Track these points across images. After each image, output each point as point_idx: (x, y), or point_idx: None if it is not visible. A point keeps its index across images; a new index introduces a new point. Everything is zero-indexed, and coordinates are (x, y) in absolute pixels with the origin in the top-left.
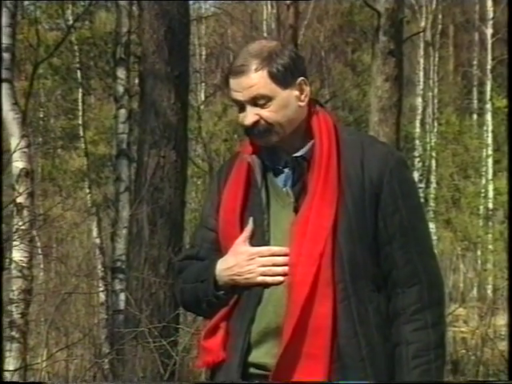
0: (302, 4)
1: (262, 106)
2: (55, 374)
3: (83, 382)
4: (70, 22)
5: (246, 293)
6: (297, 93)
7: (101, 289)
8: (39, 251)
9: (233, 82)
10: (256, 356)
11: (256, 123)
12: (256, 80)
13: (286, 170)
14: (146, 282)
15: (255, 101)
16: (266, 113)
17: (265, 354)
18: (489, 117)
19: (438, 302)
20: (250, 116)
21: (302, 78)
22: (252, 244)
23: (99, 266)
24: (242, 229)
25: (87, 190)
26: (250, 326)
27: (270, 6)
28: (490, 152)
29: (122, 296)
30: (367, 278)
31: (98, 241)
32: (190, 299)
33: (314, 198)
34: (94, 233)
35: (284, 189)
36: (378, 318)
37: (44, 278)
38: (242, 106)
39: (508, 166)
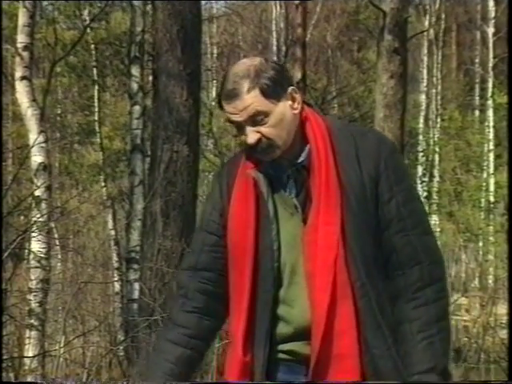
0: (310, 4)
1: (261, 124)
2: (72, 361)
3: (99, 368)
4: (87, 22)
5: (260, 300)
6: (290, 102)
7: (116, 279)
8: (57, 242)
9: (228, 107)
10: (285, 345)
11: (258, 141)
12: (250, 100)
13: (289, 179)
14: (159, 272)
15: (253, 119)
16: (266, 129)
17: (295, 344)
18: (490, 113)
19: (438, 278)
20: (252, 135)
21: (291, 87)
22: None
23: (114, 257)
24: (255, 242)
25: (103, 184)
26: (270, 329)
27: (278, 6)
28: (491, 147)
29: (136, 286)
30: (378, 268)
31: (112, 232)
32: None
33: (320, 205)
34: (109, 225)
35: (290, 197)
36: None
37: (61, 268)
38: (240, 128)
39: (508, 159)
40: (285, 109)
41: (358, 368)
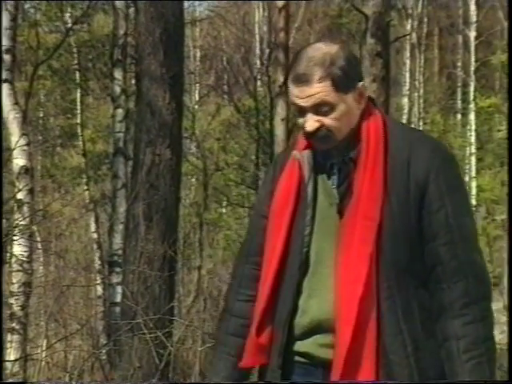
0: (293, 7)
1: (325, 114)
2: (54, 364)
3: (81, 371)
4: (69, 25)
5: (285, 284)
6: (357, 97)
7: (98, 282)
8: (39, 246)
9: (295, 89)
10: (301, 345)
11: (317, 130)
12: (319, 89)
13: (333, 169)
14: (141, 276)
15: (317, 108)
16: (329, 120)
17: (310, 344)
18: (472, 116)
19: (484, 296)
20: (312, 122)
21: (361, 82)
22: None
23: (96, 260)
24: (290, 223)
25: (85, 187)
26: (289, 318)
27: (261, 9)
28: (473, 150)
29: (119, 289)
30: (412, 275)
31: (95, 236)
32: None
33: (360, 199)
34: (92, 228)
35: (332, 186)
36: (423, 314)
37: (43, 272)
38: (302, 112)
39: (508, 160)
40: (351, 103)
41: (373, 370)
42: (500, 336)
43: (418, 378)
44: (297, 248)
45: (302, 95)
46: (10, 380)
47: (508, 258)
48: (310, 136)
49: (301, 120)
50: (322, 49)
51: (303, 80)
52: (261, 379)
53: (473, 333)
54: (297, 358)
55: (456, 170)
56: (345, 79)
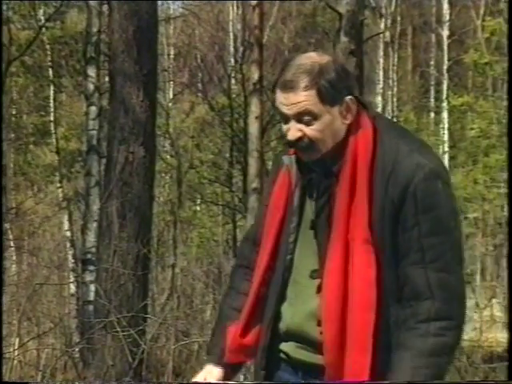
0: (267, 5)
1: (307, 124)
2: (26, 363)
3: (54, 370)
4: (42, 22)
5: (270, 290)
6: (343, 111)
7: (71, 280)
8: (11, 244)
9: (280, 96)
10: (283, 346)
11: (299, 139)
12: (304, 98)
13: (313, 182)
14: (115, 274)
15: (301, 117)
16: (311, 131)
17: (289, 346)
18: (445, 115)
19: (447, 316)
20: (294, 131)
21: (349, 96)
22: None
23: (70, 258)
24: (279, 230)
25: (58, 185)
26: (272, 323)
27: (235, 8)
28: (446, 148)
29: (92, 287)
30: (389, 294)
31: (68, 234)
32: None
33: (340, 215)
34: (65, 226)
35: (312, 198)
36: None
37: (16, 270)
38: (285, 119)
39: (507, 159)
40: (335, 116)
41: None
42: (472, 333)
43: None
44: (282, 254)
45: (286, 102)
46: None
47: (508, 258)
48: (292, 145)
49: (284, 127)
50: (313, 58)
51: (289, 87)
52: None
53: (420, 346)
54: (282, 356)
55: (438, 187)
56: (331, 91)
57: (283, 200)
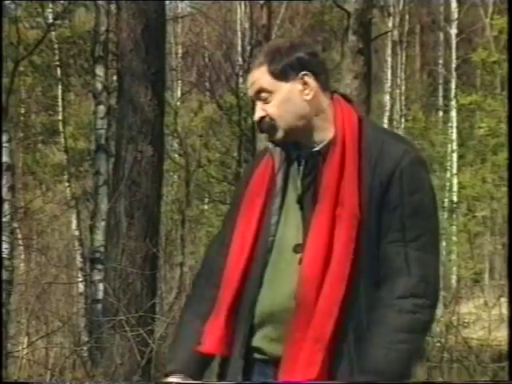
0: (275, 4)
1: (265, 101)
2: (35, 362)
3: (63, 368)
4: (50, 21)
5: (251, 274)
6: (300, 87)
7: (80, 279)
8: (20, 243)
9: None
10: (256, 340)
11: (262, 119)
12: (257, 75)
13: (300, 162)
14: (123, 273)
15: (259, 95)
16: (270, 108)
17: (262, 338)
18: (453, 113)
19: (423, 294)
20: (257, 112)
21: (304, 71)
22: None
23: (78, 257)
24: (261, 213)
25: (67, 184)
26: (253, 309)
27: (243, 6)
28: (454, 147)
29: (101, 286)
30: (366, 274)
31: (77, 233)
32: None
33: (327, 192)
34: (74, 225)
35: (297, 178)
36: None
37: (25, 269)
38: (253, 102)
39: (508, 157)
40: (291, 92)
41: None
42: (481, 332)
43: (356, 366)
44: (264, 237)
45: (248, 84)
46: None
47: (508, 259)
48: (259, 127)
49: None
50: (276, 41)
51: (250, 68)
52: (222, 370)
53: (396, 321)
54: (255, 355)
55: (422, 173)
56: (283, 66)
57: (264, 185)
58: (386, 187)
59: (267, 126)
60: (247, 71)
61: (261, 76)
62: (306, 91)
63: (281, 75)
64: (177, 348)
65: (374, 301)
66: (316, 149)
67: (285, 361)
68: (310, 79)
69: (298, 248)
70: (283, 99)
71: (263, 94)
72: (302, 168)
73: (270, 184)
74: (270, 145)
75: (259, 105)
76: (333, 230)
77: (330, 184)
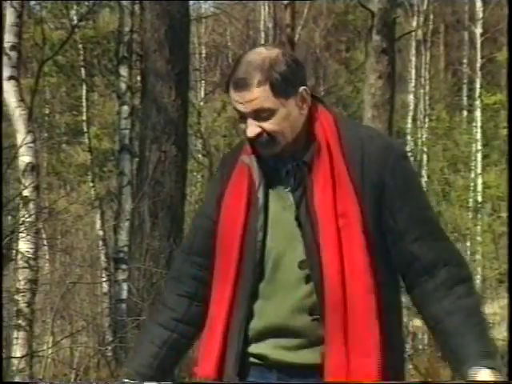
0: (298, 4)
1: (265, 119)
2: (60, 361)
3: (87, 368)
4: (75, 22)
5: (240, 291)
6: (299, 102)
7: (104, 279)
8: (45, 243)
9: (234, 95)
10: (255, 348)
11: (259, 135)
12: (258, 94)
13: (288, 174)
14: (147, 273)
15: (257, 114)
16: (269, 125)
17: (265, 346)
18: (478, 113)
19: (468, 277)
20: (253, 128)
21: (303, 87)
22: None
23: (102, 257)
24: (243, 230)
25: (91, 184)
26: (245, 323)
27: (267, 7)
28: (479, 147)
29: (125, 286)
30: (380, 276)
31: (101, 233)
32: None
33: (322, 207)
34: (98, 225)
35: (286, 191)
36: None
37: (49, 269)
38: (243, 117)
39: (508, 158)
40: (292, 108)
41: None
42: (506, 333)
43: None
44: (250, 255)
45: (241, 100)
46: (16, 377)
47: (508, 257)
48: (251, 142)
49: (242, 125)
50: (262, 53)
51: (242, 85)
52: None
53: (464, 306)
54: (251, 360)
55: (410, 165)
56: (284, 84)
57: (243, 201)
58: (380, 187)
59: (264, 141)
60: None
61: (262, 95)
62: (304, 105)
63: (283, 93)
64: (138, 349)
65: (420, 301)
66: (303, 159)
67: (330, 371)
68: (307, 94)
69: (303, 264)
70: (285, 116)
71: (263, 113)
72: (292, 181)
73: (249, 201)
74: (246, 158)
75: (253, 121)
76: (341, 243)
77: (326, 196)
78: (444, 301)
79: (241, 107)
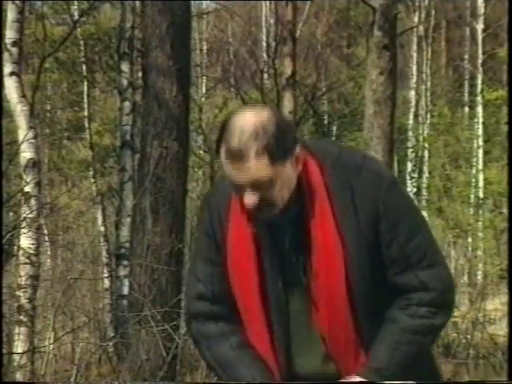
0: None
1: (263, 188)
2: (61, 357)
3: (88, 364)
4: (76, 18)
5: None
6: (294, 162)
7: (105, 275)
8: (46, 239)
9: (229, 165)
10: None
11: (258, 203)
12: (256, 165)
13: (283, 231)
14: (148, 269)
15: (256, 184)
16: (268, 194)
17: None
18: (479, 109)
19: (440, 303)
20: (252, 198)
21: (297, 146)
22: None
23: (104, 253)
24: (260, 280)
25: (92, 180)
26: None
27: (268, 2)
28: (480, 143)
29: (126, 282)
30: (379, 303)
31: (102, 229)
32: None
33: (319, 253)
34: (99, 221)
35: (287, 249)
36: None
37: (51, 265)
38: (239, 187)
39: (508, 155)
40: (289, 170)
41: None
42: (507, 329)
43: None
44: (276, 316)
45: (237, 172)
46: (18, 373)
47: (509, 253)
48: (253, 209)
49: (238, 192)
50: (252, 119)
51: (238, 156)
52: None
53: (406, 322)
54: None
55: (400, 191)
56: (281, 150)
57: (250, 247)
58: (376, 220)
59: (264, 207)
60: (272, 67)
61: (260, 166)
62: (299, 163)
63: (280, 160)
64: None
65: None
66: (294, 212)
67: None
68: (299, 152)
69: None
70: (284, 182)
71: (261, 184)
72: (287, 234)
73: (255, 245)
74: (252, 228)
75: (251, 191)
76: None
77: (320, 244)
78: (396, 311)
79: (237, 179)
